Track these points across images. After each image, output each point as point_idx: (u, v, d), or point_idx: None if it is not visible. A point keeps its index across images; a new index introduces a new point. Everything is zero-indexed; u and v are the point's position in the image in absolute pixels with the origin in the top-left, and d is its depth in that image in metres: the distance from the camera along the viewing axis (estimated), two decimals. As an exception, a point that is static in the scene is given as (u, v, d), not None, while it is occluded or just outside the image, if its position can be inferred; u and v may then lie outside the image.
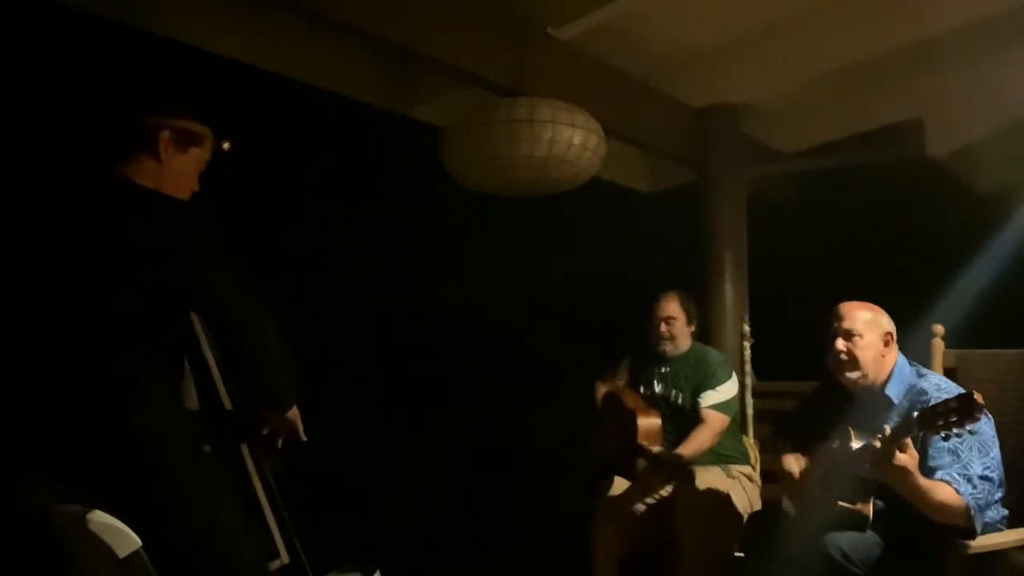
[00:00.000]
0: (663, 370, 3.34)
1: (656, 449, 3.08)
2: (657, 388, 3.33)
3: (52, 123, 2.54)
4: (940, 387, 2.31)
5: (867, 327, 2.39)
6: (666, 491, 3.14)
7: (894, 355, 2.41)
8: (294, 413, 2.09)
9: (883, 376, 2.39)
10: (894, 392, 2.36)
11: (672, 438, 3.21)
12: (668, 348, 3.32)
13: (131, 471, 1.81)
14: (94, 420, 1.81)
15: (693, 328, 3.37)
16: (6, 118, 2.50)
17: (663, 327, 3.31)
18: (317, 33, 3.06)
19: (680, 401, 3.27)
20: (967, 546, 2.15)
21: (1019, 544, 2.28)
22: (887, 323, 2.42)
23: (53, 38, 2.66)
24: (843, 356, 2.39)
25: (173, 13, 2.81)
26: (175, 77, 2.76)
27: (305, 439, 2.14)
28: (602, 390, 3.47)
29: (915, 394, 2.32)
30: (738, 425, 3.44)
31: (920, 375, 2.39)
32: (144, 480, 1.81)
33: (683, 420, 3.24)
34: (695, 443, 3.13)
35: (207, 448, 2.06)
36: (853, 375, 2.40)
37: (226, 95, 2.98)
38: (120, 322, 1.83)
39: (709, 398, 3.21)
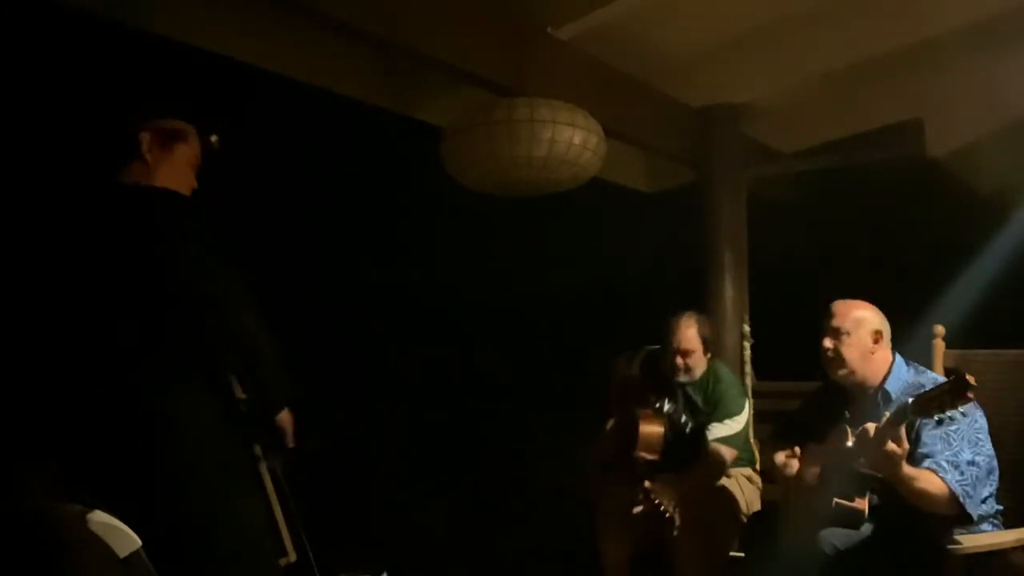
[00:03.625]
0: (676, 391, 3.24)
1: (651, 458, 3.05)
2: (667, 406, 3.24)
3: (51, 128, 2.55)
4: (937, 381, 2.31)
5: (855, 325, 2.41)
6: (664, 503, 2.98)
7: (886, 353, 2.42)
8: (284, 417, 2.05)
9: (880, 374, 2.41)
10: (893, 388, 2.38)
11: (673, 455, 3.13)
12: (683, 378, 3.19)
13: (151, 474, 1.82)
14: (118, 422, 1.82)
15: (709, 356, 3.24)
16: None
17: (679, 360, 3.15)
18: (317, 33, 3.06)
19: (688, 428, 3.20)
20: (964, 544, 2.16)
21: (1018, 544, 2.28)
22: (878, 321, 2.43)
23: (53, 39, 2.67)
24: (829, 354, 2.42)
25: (173, 13, 2.81)
26: (171, 81, 2.77)
27: (291, 446, 2.09)
28: (615, 379, 3.40)
29: (913, 389, 2.33)
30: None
31: (918, 372, 2.42)
32: (167, 484, 1.82)
33: (687, 444, 3.18)
34: (697, 475, 3.08)
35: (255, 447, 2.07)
36: (840, 372, 2.43)
37: (225, 95, 2.99)
38: (138, 323, 1.83)
39: (716, 431, 3.12)
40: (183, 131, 2.03)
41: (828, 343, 2.42)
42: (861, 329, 2.40)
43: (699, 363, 3.20)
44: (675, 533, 2.91)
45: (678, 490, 2.93)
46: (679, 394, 3.24)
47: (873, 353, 2.40)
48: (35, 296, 1.92)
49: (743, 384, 3.60)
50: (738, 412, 3.17)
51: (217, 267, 1.85)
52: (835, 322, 2.42)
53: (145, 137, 1.96)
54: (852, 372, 2.41)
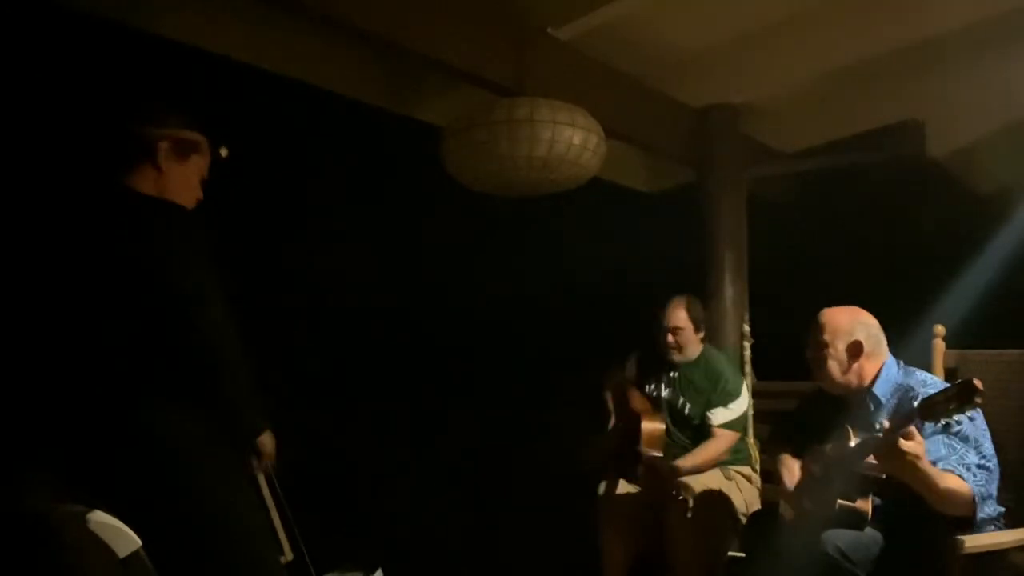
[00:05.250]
0: (672, 375, 3.31)
1: (656, 454, 3.11)
2: (664, 392, 3.31)
3: (57, 130, 2.55)
4: (925, 382, 2.35)
5: (834, 336, 2.40)
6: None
7: (871, 361, 2.40)
8: (264, 441, 2.02)
9: (868, 378, 2.41)
10: (881, 391, 2.38)
11: (675, 444, 3.23)
12: (676, 357, 3.28)
13: (150, 476, 1.83)
14: (114, 426, 1.83)
15: (702, 335, 3.32)
16: (7, 124, 2.51)
17: (670, 338, 3.26)
18: (317, 33, 3.06)
19: (687, 411, 3.25)
20: (965, 544, 2.16)
21: (1018, 544, 2.28)
22: (861, 332, 2.40)
23: (54, 40, 2.67)
24: (811, 364, 2.46)
25: (172, 13, 2.81)
26: (173, 81, 2.77)
27: (271, 469, 2.09)
28: (610, 388, 3.44)
29: (902, 391, 2.35)
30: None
31: (907, 373, 2.41)
32: (166, 485, 1.83)
33: (687, 428, 3.26)
34: (701, 457, 3.15)
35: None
36: (823, 382, 2.46)
37: (225, 95, 2.99)
38: (131, 327, 1.84)
39: (719, 416, 3.19)
40: (199, 143, 2.05)
41: (809, 354, 2.46)
42: (839, 342, 2.40)
43: (691, 342, 3.28)
44: (688, 515, 2.98)
45: (666, 478, 3.05)
46: (675, 379, 3.30)
47: (852, 364, 2.40)
48: (35, 296, 1.92)
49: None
50: (738, 395, 3.24)
51: (198, 278, 1.85)
52: (816, 333, 2.44)
53: (163, 146, 1.97)
54: (833, 382, 2.43)
